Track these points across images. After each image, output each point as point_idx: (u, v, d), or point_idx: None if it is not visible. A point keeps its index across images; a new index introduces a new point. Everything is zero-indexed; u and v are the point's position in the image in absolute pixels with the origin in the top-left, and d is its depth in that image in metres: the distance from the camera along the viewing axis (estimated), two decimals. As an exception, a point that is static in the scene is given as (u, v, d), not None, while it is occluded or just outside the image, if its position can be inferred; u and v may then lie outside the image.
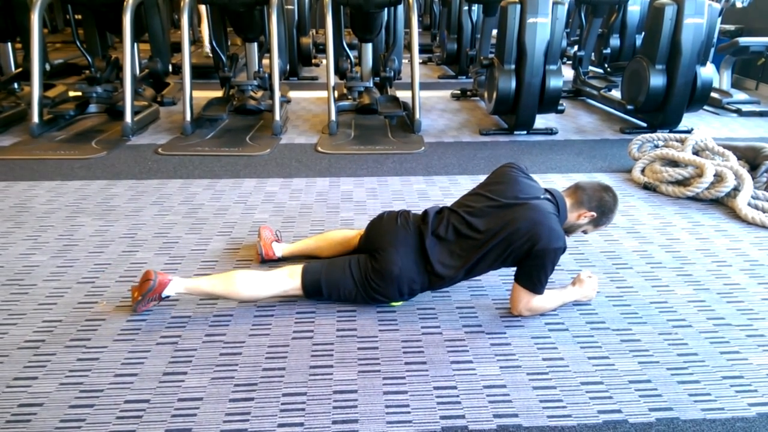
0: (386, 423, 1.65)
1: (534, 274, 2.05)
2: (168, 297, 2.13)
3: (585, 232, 2.31)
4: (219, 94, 5.34)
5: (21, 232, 2.84)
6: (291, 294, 2.21)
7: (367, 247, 2.23)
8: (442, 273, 2.10)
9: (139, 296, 2.08)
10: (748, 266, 2.59)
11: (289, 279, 2.16)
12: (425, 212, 2.23)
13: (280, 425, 1.63)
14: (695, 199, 3.31)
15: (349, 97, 5.18)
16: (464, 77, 7.14)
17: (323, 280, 2.15)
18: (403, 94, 5.29)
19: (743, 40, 5.48)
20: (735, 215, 3.10)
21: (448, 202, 2.42)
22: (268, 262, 2.50)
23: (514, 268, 2.13)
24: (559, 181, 3.57)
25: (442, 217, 2.18)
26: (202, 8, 7.06)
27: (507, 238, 2.03)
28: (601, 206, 2.19)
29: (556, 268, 2.51)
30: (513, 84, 4.38)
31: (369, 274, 2.12)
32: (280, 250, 2.53)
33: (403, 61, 6.32)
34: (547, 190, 2.21)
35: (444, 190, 3.45)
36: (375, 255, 2.15)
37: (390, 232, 2.18)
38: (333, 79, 4.68)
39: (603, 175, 3.74)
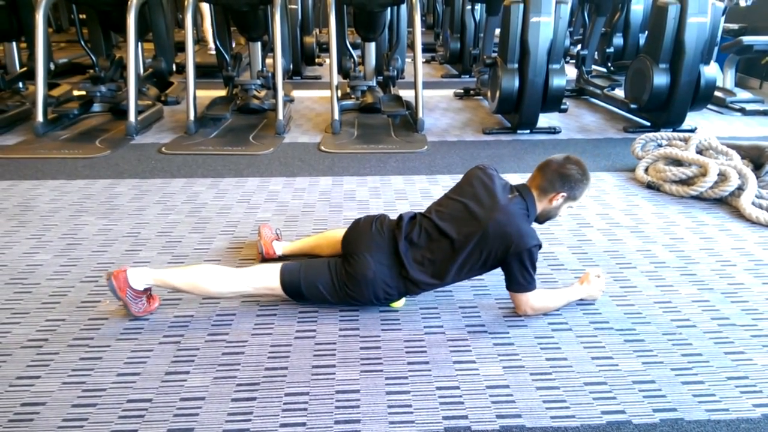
0: (389, 423, 1.64)
1: (518, 276, 2.06)
2: (148, 288, 2.09)
3: (561, 213, 2.22)
4: (222, 93, 5.35)
5: (25, 231, 2.85)
6: (263, 293, 2.18)
7: (344, 251, 2.23)
8: (416, 278, 2.09)
9: (119, 301, 2.07)
10: (753, 266, 2.57)
11: (263, 278, 2.14)
12: (400, 217, 2.23)
13: (282, 425, 1.63)
14: (699, 198, 3.29)
15: (353, 96, 5.18)
16: (467, 76, 7.14)
17: (302, 280, 2.13)
18: (406, 93, 5.28)
19: (747, 39, 5.45)
20: (739, 214, 3.09)
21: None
22: (270, 260, 2.49)
23: None
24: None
25: (415, 222, 2.18)
26: (205, 7, 7.07)
27: (478, 243, 2.04)
28: (566, 182, 2.10)
29: (560, 268, 2.53)
30: (516, 83, 4.38)
31: (343, 278, 2.12)
32: (280, 248, 2.53)
33: (407, 60, 6.32)
34: (516, 189, 2.17)
35: (447, 190, 3.42)
36: (349, 259, 2.14)
37: (365, 236, 2.17)
38: (336, 79, 4.67)
39: (606, 174, 3.73)
